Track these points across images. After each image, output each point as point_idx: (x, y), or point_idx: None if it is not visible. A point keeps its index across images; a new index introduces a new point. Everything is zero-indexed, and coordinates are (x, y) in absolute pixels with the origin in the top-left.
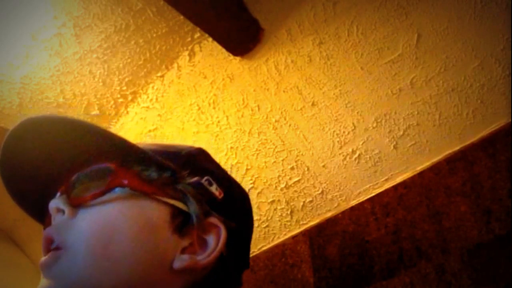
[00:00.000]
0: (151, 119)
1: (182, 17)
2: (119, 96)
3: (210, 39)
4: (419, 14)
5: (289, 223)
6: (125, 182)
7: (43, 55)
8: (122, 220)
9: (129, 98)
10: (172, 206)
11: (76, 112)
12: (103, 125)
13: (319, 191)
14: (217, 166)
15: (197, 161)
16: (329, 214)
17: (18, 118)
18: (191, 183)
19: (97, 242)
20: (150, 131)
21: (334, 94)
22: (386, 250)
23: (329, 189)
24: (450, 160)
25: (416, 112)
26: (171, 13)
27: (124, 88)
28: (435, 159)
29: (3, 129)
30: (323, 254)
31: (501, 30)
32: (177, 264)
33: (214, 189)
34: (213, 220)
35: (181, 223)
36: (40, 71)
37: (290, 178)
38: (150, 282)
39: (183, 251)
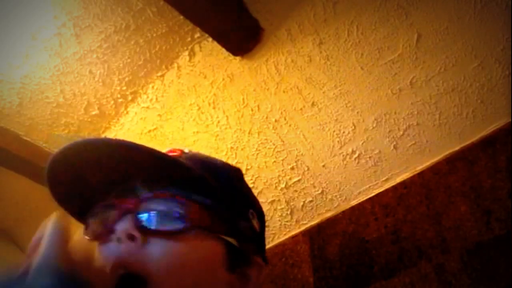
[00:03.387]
0: (151, 119)
1: (182, 17)
2: (119, 96)
3: (210, 39)
4: (419, 14)
5: (289, 223)
6: (203, 224)
7: (43, 55)
8: (192, 258)
9: (129, 98)
10: (229, 243)
11: (76, 112)
12: (103, 124)
13: (319, 191)
14: (252, 192)
15: (241, 188)
16: (329, 214)
17: (18, 118)
18: (244, 219)
19: (173, 278)
20: (150, 131)
21: (334, 94)
22: (386, 250)
23: (329, 189)
24: (450, 160)
25: (416, 112)
26: (171, 13)
27: (124, 88)
28: (435, 159)
29: (3, 129)
30: (323, 254)
31: (501, 30)
32: None
33: (255, 222)
34: (258, 259)
35: (233, 260)
36: (40, 71)
37: (290, 178)
38: None
39: (230, 286)
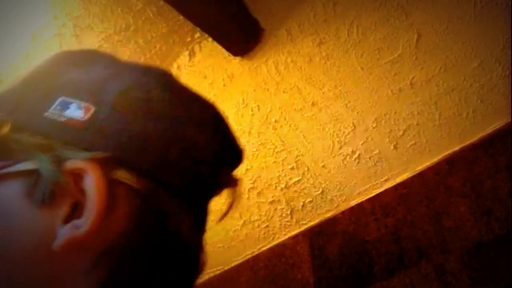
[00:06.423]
0: None
1: (182, 17)
2: None
3: (210, 39)
4: (419, 14)
5: (289, 223)
6: None
7: (43, 55)
8: None
9: None
10: (19, 173)
11: None
12: None
13: (319, 191)
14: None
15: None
16: (329, 214)
17: None
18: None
19: None
20: None
21: (334, 94)
22: (386, 250)
23: (329, 189)
24: (450, 160)
25: (416, 112)
26: (171, 13)
27: None
28: (435, 159)
29: None
30: (323, 254)
31: (501, 30)
32: (57, 243)
33: (73, 112)
34: (74, 163)
35: (42, 187)
36: None
37: (290, 178)
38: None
39: (67, 220)
